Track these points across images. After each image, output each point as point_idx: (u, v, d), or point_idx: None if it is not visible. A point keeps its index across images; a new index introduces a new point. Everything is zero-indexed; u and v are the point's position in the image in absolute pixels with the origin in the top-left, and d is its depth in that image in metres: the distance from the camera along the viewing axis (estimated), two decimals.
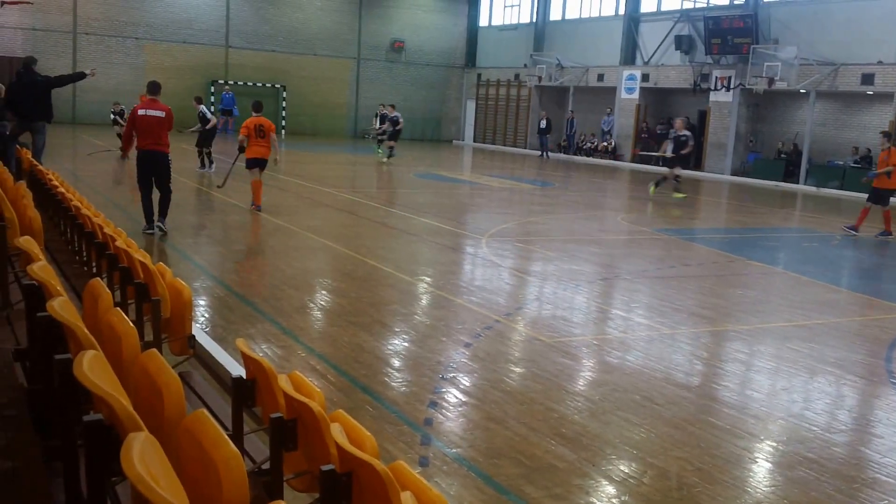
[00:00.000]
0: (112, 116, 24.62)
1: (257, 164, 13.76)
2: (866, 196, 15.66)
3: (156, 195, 11.18)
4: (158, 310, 4.27)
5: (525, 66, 38.06)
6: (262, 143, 13.61)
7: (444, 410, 5.47)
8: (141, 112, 10.69)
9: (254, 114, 13.78)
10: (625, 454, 4.96)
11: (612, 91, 34.27)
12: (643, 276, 10.63)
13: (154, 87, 10.81)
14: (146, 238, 10.80)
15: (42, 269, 3.45)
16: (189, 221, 12.77)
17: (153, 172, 10.94)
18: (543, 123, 34.68)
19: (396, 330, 7.46)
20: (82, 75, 14.09)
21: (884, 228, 15.18)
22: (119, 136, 21.33)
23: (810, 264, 12.51)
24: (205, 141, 20.11)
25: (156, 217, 11.14)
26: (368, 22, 40.01)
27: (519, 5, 40.26)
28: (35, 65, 13.79)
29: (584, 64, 35.39)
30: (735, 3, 29.79)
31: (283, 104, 37.72)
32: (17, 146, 12.82)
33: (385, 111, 28.36)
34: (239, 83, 36.85)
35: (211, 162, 20.29)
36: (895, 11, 24.34)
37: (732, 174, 29.40)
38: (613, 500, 4.40)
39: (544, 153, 34.72)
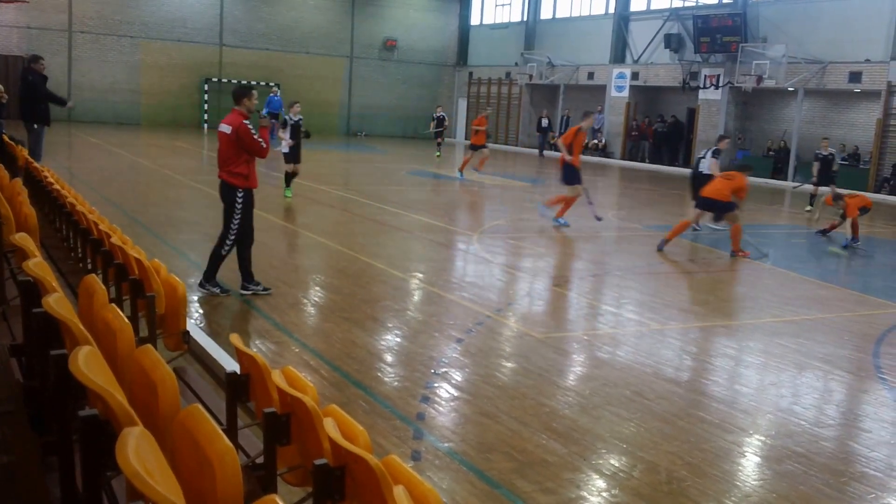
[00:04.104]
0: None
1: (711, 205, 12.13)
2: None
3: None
4: (153, 306, 4.29)
5: (516, 64, 38.08)
6: None
7: (436, 405, 5.51)
8: (219, 128, 7.92)
9: None
10: (615, 448, 5.01)
11: (602, 89, 34.36)
12: (633, 272, 10.69)
13: (235, 95, 7.85)
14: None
15: (38, 265, 3.47)
16: (183, 218, 12.75)
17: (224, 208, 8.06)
18: (545, 122, 34.71)
19: (389, 326, 7.48)
20: (63, 102, 14.11)
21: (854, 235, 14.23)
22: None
23: (799, 261, 12.59)
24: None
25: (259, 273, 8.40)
26: (361, 21, 39.97)
27: (510, 4, 40.27)
28: (36, 62, 13.96)
29: (574, 62, 35.45)
30: (724, 1, 29.89)
31: None
32: (14, 144, 12.84)
33: (442, 113, 30.49)
34: (233, 81, 36.77)
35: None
36: (883, 10, 24.48)
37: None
38: (604, 494, 4.44)
39: (542, 152, 34.70)
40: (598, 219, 14.06)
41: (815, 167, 19.01)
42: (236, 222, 7.92)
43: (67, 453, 2.52)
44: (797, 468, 4.88)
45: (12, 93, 16.86)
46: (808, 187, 19.58)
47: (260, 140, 7.72)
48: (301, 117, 15.17)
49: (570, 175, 13.90)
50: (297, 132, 15.06)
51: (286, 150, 15.17)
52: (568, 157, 13.71)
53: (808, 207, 19.00)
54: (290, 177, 15.49)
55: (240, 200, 7.86)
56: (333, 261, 10.47)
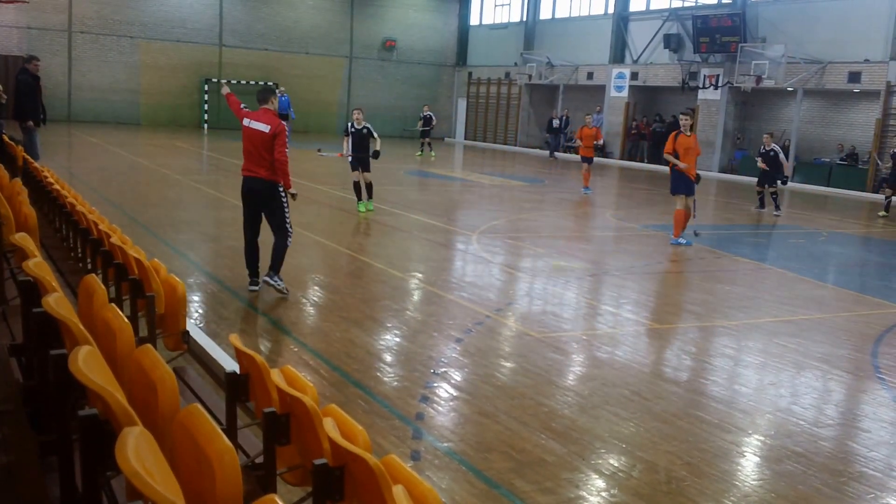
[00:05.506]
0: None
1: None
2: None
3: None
4: (153, 306, 4.29)
5: (515, 64, 38.08)
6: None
7: (435, 405, 5.51)
8: (245, 121, 8.02)
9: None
10: (614, 448, 5.02)
11: (602, 89, 34.36)
12: (631, 272, 10.69)
13: (262, 95, 8.10)
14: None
15: (37, 265, 3.47)
16: (183, 218, 12.76)
17: (256, 208, 8.18)
18: (556, 123, 34.64)
19: (388, 325, 7.49)
20: (34, 116, 14.03)
21: None
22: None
23: (797, 260, 12.60)
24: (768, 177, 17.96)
25: (264, 270, 8.34)
26: (360, 21, 39.99)
27: (509, 4, 40.26)
28: (30, 62, 14.04)
29: (573, 62, 35.46)
30: (723, 1, 29.90)
31: None
32: (14, 144, 12.87)
33: (429, 113, 30.11)
34: (232, 81, 36.78)
35: (776, 205, 18.30)
36: (882, 10, 24.48)
37: (720, 171, 29.55)
38: (603, 494, 4.45)
39: (552, 152, 34.53)
40: (696, 234, 13.17)
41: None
42: (288, 214, 8.20)
43: (67, 453, 2.53)
44: (796, 468, 4.89)
45: (11, 93, 16.92)
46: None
47: (286, 150, 7.99)
48: (365, 125, 14.09)
49: (680, 185, 12.63)
50: (363, 140, 14.10)
51: (351, 158, 14.28)
52: (683, 166, 12.40)
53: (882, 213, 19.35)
54: (369, 188, 14.48)
55: (283, 194, 8.13)
56: (332, 260, 10.47)
